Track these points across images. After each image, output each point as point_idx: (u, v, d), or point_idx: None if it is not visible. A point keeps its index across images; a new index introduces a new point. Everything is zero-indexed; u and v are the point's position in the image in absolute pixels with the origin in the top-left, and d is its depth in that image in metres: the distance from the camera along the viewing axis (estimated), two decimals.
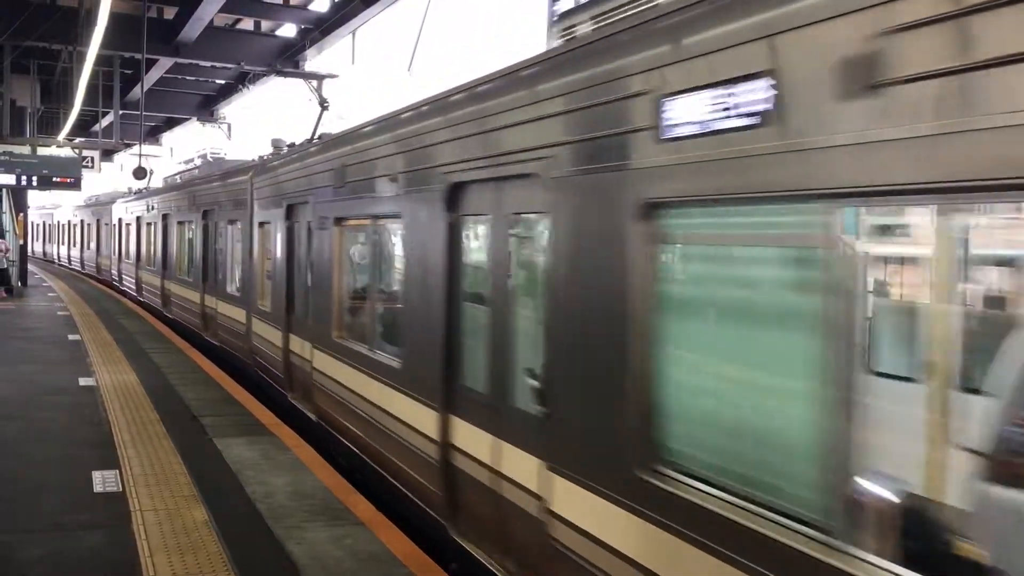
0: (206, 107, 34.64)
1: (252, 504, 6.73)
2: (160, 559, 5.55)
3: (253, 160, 15.17)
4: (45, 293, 26.50)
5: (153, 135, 41.53)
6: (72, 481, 7.21)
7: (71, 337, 16.14)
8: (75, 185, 25.58)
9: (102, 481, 7.21)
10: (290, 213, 10.85)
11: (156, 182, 29.35)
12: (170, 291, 20.17)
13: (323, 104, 14.16)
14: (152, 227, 23.04)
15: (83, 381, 11.66)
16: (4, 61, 24.62)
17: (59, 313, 20.56)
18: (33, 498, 6.77)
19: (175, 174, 24.54)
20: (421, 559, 5.75)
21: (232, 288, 14.63)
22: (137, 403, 10.32)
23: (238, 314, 13.75)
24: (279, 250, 11.27)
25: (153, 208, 22.80)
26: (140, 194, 27.23)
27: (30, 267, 30.86)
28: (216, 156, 24.46)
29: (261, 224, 12.56)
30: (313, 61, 25.96)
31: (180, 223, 19.29)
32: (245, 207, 13.43)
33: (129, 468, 7.58)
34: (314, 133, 13.31)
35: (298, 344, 10.37)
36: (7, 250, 25.44)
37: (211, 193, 16.35)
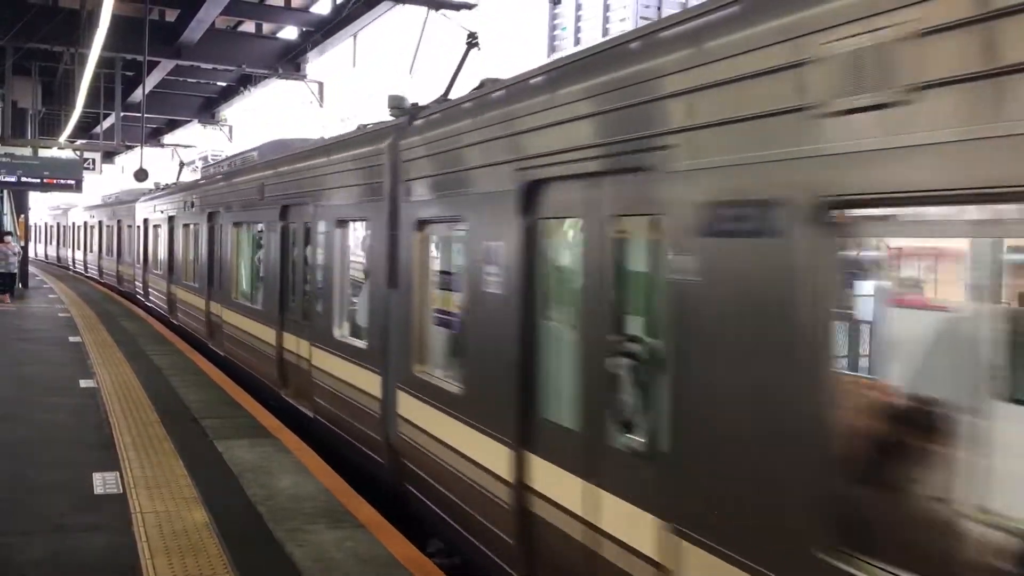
0: (207, 109, 34.68)
1: (253, 506, 6.70)
2: (160, 561, 5.53)
3: (382, 122, 8.91)
4: (46, 295, 26.49)
5: (154, 137, 41.56)
6: (73, 483, 7.18)
7: (72, 339, 16.11)
8: (76, 187, 25.60)
9: (103, 483, 7.18)
10: (533, 201, 5.29)
11: (185, 179, 24.91)
12: (221, 319, 14.45)
13: (471, 39, 10.49)
14: (192, 231, 17.44)
15: (84, 383, 11.63)
16: (6, 63, 24.63)
17: (60, 315, 20.54)
18: (34, 499, 6.75)
19: (221, 161, 19.18)
20: (423, 563, 5.73)
21: (343, 332, 9.05)
22: (138, 405, 10.29)
23: (362, 379, 8.15)
24: (497, 277, 5.64)
25: (193, 206, 17.21)
26: (173, 189, 21.64)
27: (31, 268, 30.82)
28: (216, 157, 24.27)
29: (422, 224, 7.04)
30: (314, 64, 26.00)
31: (238, 225, 13.63)
32: (379, 196, 7.86)
33: (130, 470, 7.55)
34: (455, 79, 8.93)
35: (568, 490, 4.83)
36: (19, 252, 25.25)
37: (301, 179, 10.50)
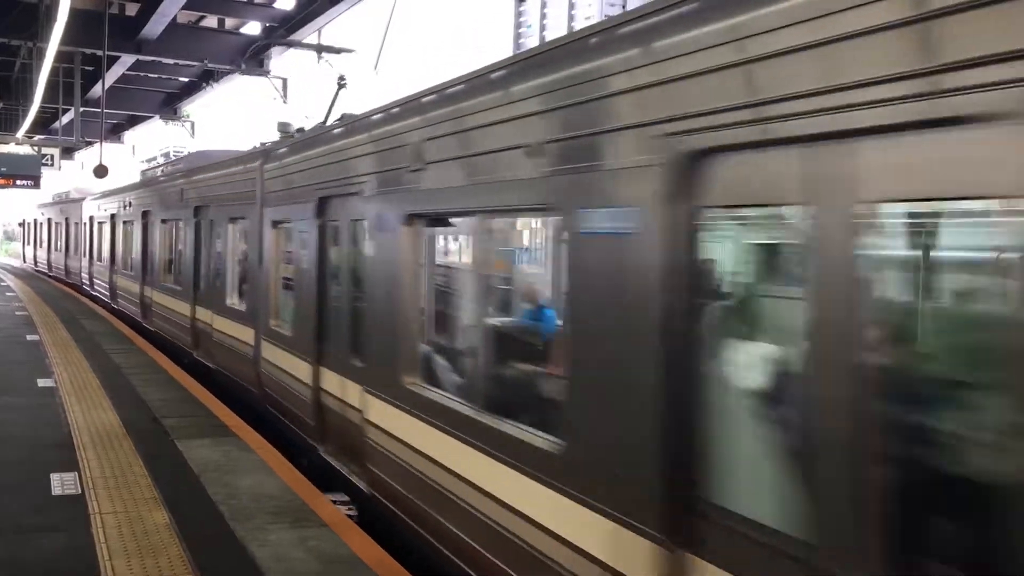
0: (169, 105, 34.25)
1: (215, 506, 6.64)
2: (120, 563, 5.46)
3: None
4: (3, 293, 26.03)
5: (115, 133, 40.98)
6: (30, 483, 7.06)
7: (29, 337, 15.84)
8: (35, 183, 25.25)
9: (61, 484, 7.07)
10: None
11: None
12: None
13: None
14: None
15: (42, 382, 11.44)
16: None
17: (17, 313, 20.18)
18: None
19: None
20: (388, 563, 5.70)
21: None
22: (97, 404, 10.15)
23: None
24: None
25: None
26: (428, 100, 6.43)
27: None
28: (179, 152, 23.64)
29: None
30: (278, 59, 25.79)
31: None
32: None
33: (88, 470, 7.45)
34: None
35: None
36: None
37: None
